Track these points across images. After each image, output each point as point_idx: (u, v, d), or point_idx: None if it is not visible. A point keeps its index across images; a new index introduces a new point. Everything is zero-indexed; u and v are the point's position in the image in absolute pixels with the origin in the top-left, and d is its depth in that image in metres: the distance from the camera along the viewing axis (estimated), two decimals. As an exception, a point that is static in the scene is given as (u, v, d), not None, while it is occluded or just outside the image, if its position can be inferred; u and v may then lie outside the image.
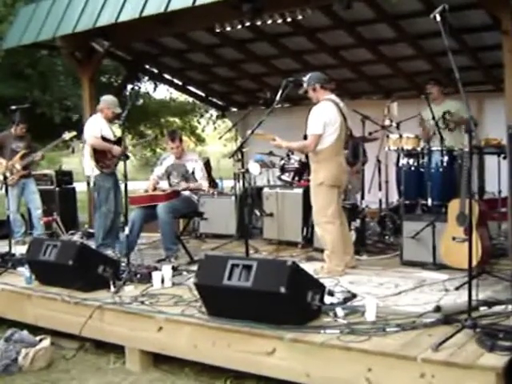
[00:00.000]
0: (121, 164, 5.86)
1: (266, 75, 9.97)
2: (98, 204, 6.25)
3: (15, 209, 7.30)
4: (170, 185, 6.08)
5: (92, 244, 5.94)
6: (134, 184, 7.90)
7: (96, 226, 6.35)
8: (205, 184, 6.06)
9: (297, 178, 6.88)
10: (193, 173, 6.06)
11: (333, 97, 5.02)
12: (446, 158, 5.58)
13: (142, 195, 5.93)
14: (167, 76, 11.15)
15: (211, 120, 15.64)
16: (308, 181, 6.56)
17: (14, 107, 6.01)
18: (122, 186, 5.41)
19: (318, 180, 4.97)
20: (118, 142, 6.21)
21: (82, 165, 6.44)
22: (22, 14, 8.26)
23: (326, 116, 4.88)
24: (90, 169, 6.19)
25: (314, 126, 4.88)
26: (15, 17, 8.73)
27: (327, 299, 3.77)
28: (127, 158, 6.43)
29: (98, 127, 6.17)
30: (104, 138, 6.17)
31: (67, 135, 7.13)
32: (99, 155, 6.11)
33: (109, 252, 5.86)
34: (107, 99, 6.32)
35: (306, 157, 5.19)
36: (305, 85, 5.03)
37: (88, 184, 8.27)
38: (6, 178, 7.06)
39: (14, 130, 7.32)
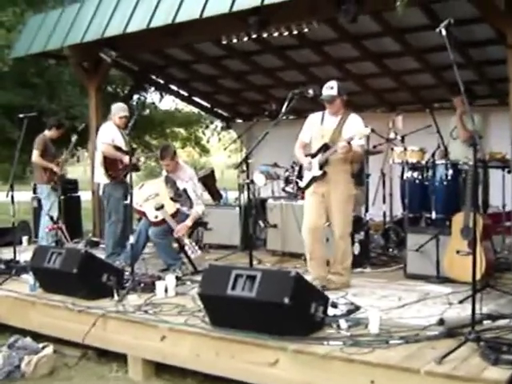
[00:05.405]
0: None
1: (271, 87, 10.02)
2: (107, 213, 6.26)
3: (56, 215, 7.09)
4: None
5: (97, 252, 5.92)
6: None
7: (106, 235, 6.36)
8: (200, 209, 5.89)
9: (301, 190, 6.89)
10: (185, 191, 5.90)
11: None
12: (450, 172, 5.59)
13: (139, 210, 5.76)
14: (173, 87, 11.20)
15: (216, 131, 15.68)
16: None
17: (21, 115, 6.05)
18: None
19: (352, 191, 4.98)
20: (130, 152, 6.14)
21: (94, 171, 6.43)
22: (31, 23, 8.34)
23: None
24: (100, 176, 6.20)
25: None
26: (24, 26, 8.81)
27: (330, 311, 3.78)
28: (137, 170, 6.43)
29: (109, 135, 6.18)
30: (115, 147, 6.15)
31: (74, 138, 7.17)
32: (109, 164, 6.08)
33: (119, 261, 5.82)
34: (113, 106, 6.42)
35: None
36: (334, 92, 4.83)
37: (93, 193, 8.30)
38: (55, 182, 7.04)
39: (48, 133, 7.21)
